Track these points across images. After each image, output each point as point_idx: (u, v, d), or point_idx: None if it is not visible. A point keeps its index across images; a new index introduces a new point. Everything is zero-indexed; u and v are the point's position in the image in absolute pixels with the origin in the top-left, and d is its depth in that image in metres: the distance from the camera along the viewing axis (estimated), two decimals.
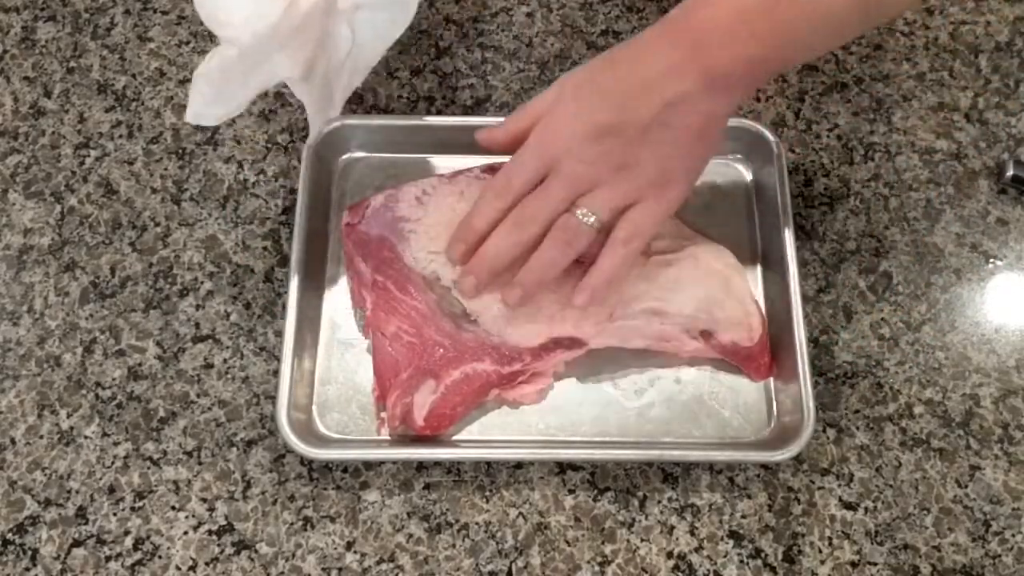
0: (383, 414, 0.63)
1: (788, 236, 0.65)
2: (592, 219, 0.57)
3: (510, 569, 0.60)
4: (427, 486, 0.63)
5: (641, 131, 0.56)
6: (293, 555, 0.61)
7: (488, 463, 0.63)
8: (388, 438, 0.63)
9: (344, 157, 0.71)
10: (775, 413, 0.64)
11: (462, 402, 0.62)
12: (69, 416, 0.64)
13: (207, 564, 0.61)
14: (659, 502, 0.62)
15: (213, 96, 0.59)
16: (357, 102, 0.75)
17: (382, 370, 0.63)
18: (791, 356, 0.62)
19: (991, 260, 0.70)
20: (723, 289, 0.65)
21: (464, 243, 0.61)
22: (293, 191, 0.71)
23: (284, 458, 0.63)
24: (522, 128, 0.59)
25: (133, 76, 0.76)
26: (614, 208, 0.58)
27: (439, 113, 0.74)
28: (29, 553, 0.61)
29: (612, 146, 0.56)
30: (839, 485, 0.63)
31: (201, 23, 0.76)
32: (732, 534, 0.62)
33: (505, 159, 0.60)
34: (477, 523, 0.62)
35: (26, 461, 0.63)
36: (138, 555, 0.61)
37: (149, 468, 0.63)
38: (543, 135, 0.58)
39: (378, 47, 0.66)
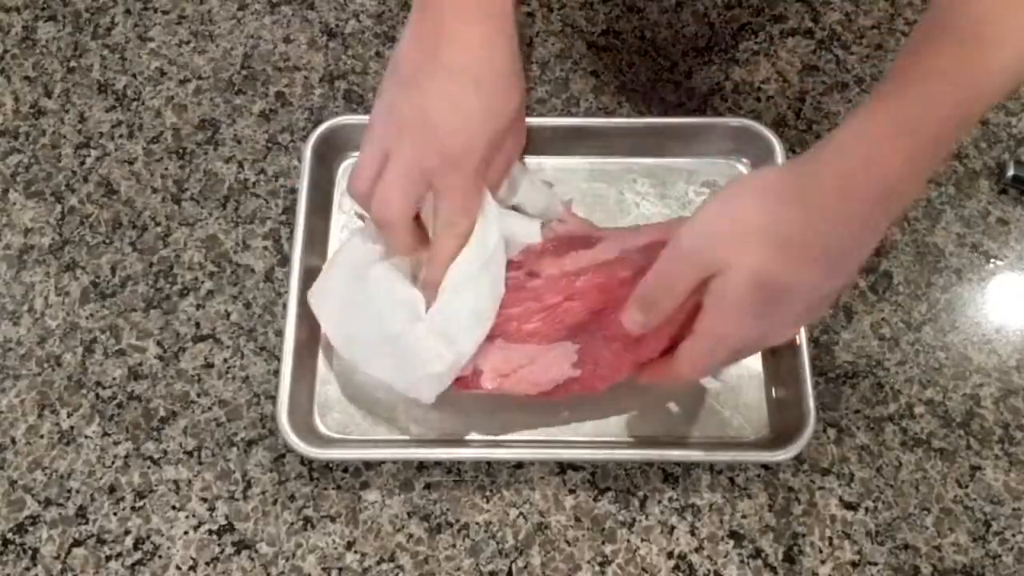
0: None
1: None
2: None
3: (510, 569, 0.60)
4: (427, 486, 0.63)
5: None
6: (293, 555, 0.61)
7: (488, 463, 0.63)
8: (388, 438, 0.63)
9: (344, 157, 0.71)
10: (775, 413, 0.64)
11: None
12: (69, 416, 0.64)
13: (207, 564, 0.61)
14: (659, 502, 0.62)
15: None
16: (357, 102, 0.75)
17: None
18: (792, 356, 0.62)
19: (992, 260, 0.70)
20: None
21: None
22: (293, 191, 0.71)
23: (284, 458, 0.63)
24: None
25: (134, 76, 0.76)
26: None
27: None
28: (29, 553, 0.61)
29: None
30: (839, 485, 0.63)
31: (201, 23, 0.77)
32: (732, 534, 0.61)
33: None
34: (477, 523, 0.62)
35: (26, 461, 0.63)
36: (138, 555, 0.61)
37: (149, 468, 0.63)
38: None
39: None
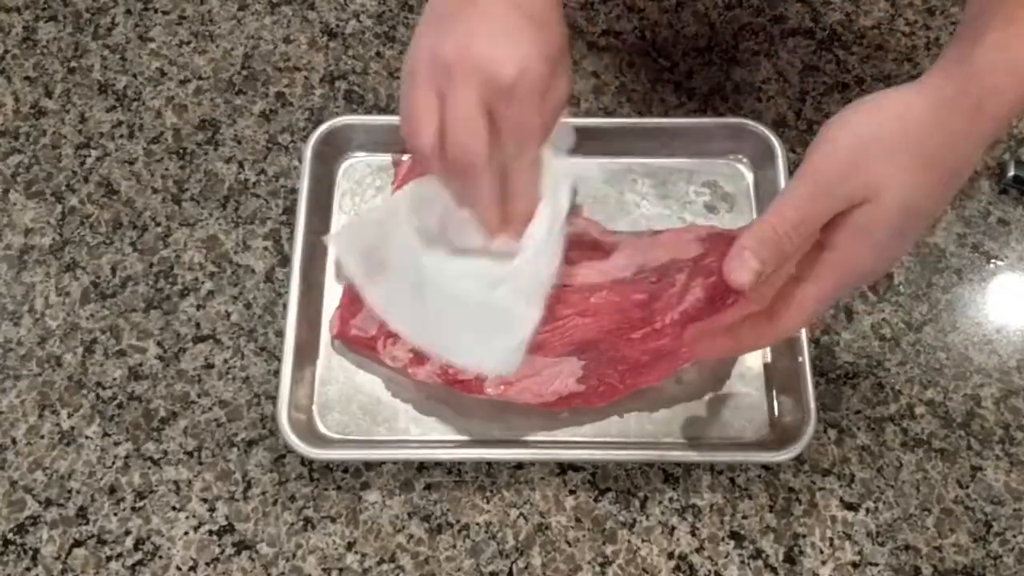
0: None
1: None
2: None
3: (511, 570, 0.60)
4: (428, 486, 0.63)
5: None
6: (294, 555, 0.61)
7: (489, 463, 0.63)
8: (388, 438, 0.63)
9: (344, 157, 0.71)
10: (776, 413, 0.64)
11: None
12: (70, 416, 0.64)
13: (207, 564, 0.61)
14: (660, 503, 0.62)
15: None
16: (358, 102, 0.75)
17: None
18: (792, 356, 0.62)
19: (992, 260, 0.70)
20: None
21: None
22: (294, 191, 0.71)
23: (284, 458, 0.63)
24: None
25: (134, 76, 0.76)
26: None
27: None
28: (30, 553, 0.61)
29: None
30: (840, 486, 0.63)
31: (202, 23, 0.76)
32: (733, 535, 0.61)
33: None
34: (478, 523, 0.62)
35: (27, 461, 0.63)
36: (139, 555, 0.61)
37: (150, 468, 0.63)
38: None
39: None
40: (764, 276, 0.49)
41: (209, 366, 0.66)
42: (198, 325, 0.67)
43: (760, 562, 0.61)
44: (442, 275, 0.58)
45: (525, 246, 0.56)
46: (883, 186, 0.48)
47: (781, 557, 0.61)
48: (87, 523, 0.62)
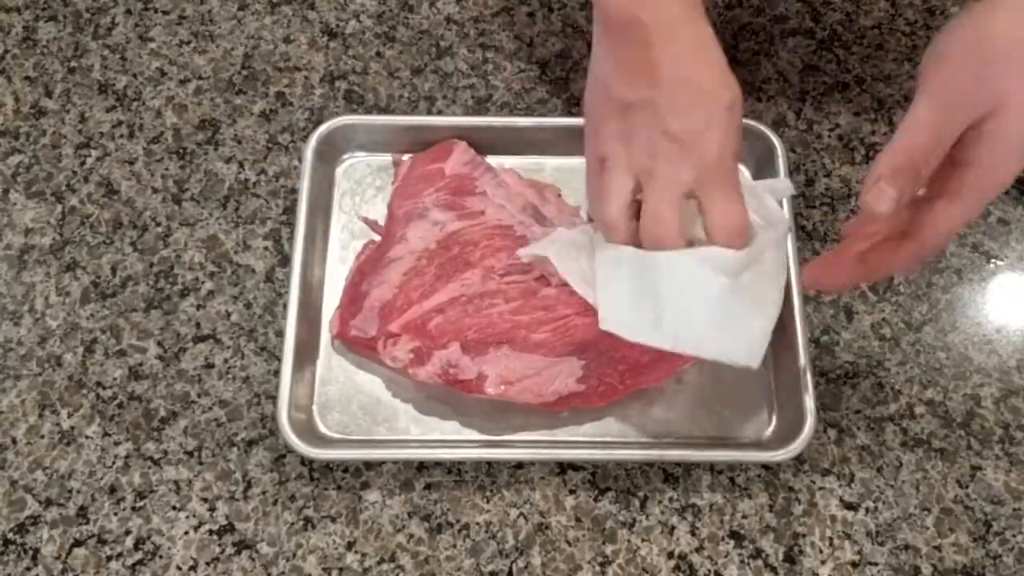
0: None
1: (789, 236, 0.65)
2: None
3: (511, 569, 0.60)
4: (428, 486, 0.63)
5: None
6: (294, 555, 0.61)
7: (489, 463, 0.63)
8: (388, 438, 0.63)
9: (344, 157, 0.71)
10: (776, 413, 0.64)
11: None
12: (70, 416, 0.64)
13: (208, 564, 0.61)
14: (660, 502, 0.62)
15: None
16: (358, 102, 0.75)
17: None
18: (792, 356, 0.62)
19: (992, 260, 0.70)
20: None
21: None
22: (294, 191, 0.71)
23: (285, 458, 0.63)
24: None
25: (134, 76, 0.76)
26: None
27: (440, 113, 0.74)
28: (30, 553, 0.61)
29: None
30: (840, 485, 0.63)
31: (202, 23, 0.77)
32: (733, 534, 0.61)
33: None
34: (478, 523, 0.62)
35: (27, 461, 0.63)
36: (139, 555, 0.61)
37: (150, 468, 0.63)
38: None
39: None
40: (902, 203, 0.49)
41: (209, 366, 0.66)
42: (198, 325, 0.67)
43: (760, 562, 0.61)
44: (677, 268, 0.55)
45: (745, 259, 0.55)
46: (1009, 92, 0.47)
47: (781, 557, 0.61)
48: (87, 523, 0.62)
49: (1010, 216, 0.71)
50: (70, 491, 0.63)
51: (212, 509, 0.62)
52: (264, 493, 0.62)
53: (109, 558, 0.61)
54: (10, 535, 0.61)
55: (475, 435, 0.63)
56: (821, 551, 0.61)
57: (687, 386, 0.64)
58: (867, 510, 0.62)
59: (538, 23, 0.78)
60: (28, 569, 0.60)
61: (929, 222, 0.51)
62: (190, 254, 0.69)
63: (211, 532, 0.61)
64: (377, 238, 0.68)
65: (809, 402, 0.61)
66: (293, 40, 0.77)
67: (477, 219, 0.67)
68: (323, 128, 0.69)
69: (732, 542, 0.61)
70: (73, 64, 0.77)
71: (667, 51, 0.54)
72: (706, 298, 0.55)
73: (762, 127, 0.69)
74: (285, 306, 0.65)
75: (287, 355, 0.62)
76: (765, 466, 0.63)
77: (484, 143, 0.70)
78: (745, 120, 0.69)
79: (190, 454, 0.63)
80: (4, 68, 0.76)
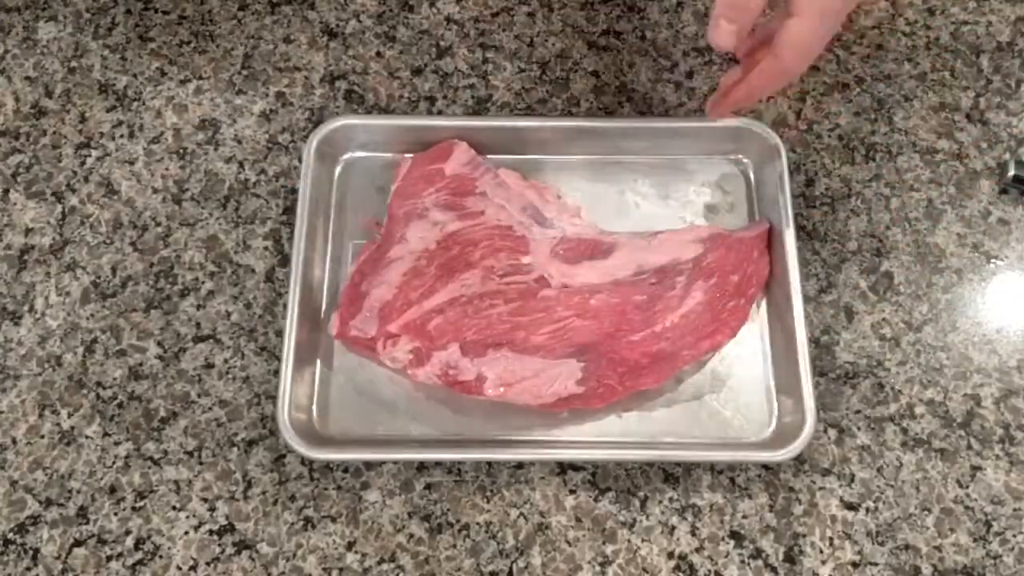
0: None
1: (789, 236, 0.65)
2: None
3: (511, 569, 0.60)
4: (428, 486, 0.63)
5: None
6: (294, 555, 0.61)
7: (489, 463, 0.63)
8: (388, 438, 0.63)
9: (344, 157, 0.71)
10: (776, 413, 0.64)
11: None
12: (70, 416, 0.64)
13: (208, 564, 0.61)
14: (660, 502, 0.62)
15: None
16: (358, 102, 0.75)
17: None
18: (792, 356, 0.62)
19: (992, 260, 0.70)
20: None
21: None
22: (294, 191, 0.71)
23: (285, 458, 0.63)
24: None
25: (134, 76, 0.76)
26: None
27: (440, 113, 0.74)
28: (30, 553, 0.61)
29: None
30: (840, 485, 0.63)
31: (202, 23, 0.77)
32: (733, 534, 0.61)
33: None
34: (478, 523, 0.62)
35: (27, 461, 0.63)
36: (139, 555, 0.61)
37: (150, 468, 0.63)
38: None
39: None
40: (744, 33, 0.56)
41: (209, 366, 0.66)
42: (198, 325, 0.67)
43: (760, 562, 0.61)
44: None
45: None
46: None
47: (781, 557, 0.61)
48: (87, 523, 0.62)
49: (1010, 216, 0.71)
50: (70, 491, 0.63)
51: (212, 509, 0.62)
52: (264, 493, 0.62)
53: (109, 558, 0.61)
54: (10, 535, 0.61)
55: (475, 435, 0.63)
56: (821, 551, 0.61)
57: (687, 386, 0.64)
58: (867, 510, 0.62)
59: (538, 23, 0.78)
60: (28, 569, 0.60)
61: (783, 39, 0.57)
62: (190, 254, 0.69)
63: (211, 532, 0.61)
64: (377, 238, 0.68)
65: (809, 402, 0.61)
66: (293, 40, 0.77)
67: (477, 219, 0.67)
68: (323, 128, 0.69)
69: (732, 542, 0.61)
70: (73, 64, 0.77)
71: None
72: None
73: (762, 127, 0.69)
74: (285, 306, 0.65)
75: (287, 355, 0.62)
76: (765, 466, 0.63)
77: (484, 143, 0.70)
78: (745, 120, 0.70)
79: (190, 454, 0.63)
80: (4, 68, 0.76)
